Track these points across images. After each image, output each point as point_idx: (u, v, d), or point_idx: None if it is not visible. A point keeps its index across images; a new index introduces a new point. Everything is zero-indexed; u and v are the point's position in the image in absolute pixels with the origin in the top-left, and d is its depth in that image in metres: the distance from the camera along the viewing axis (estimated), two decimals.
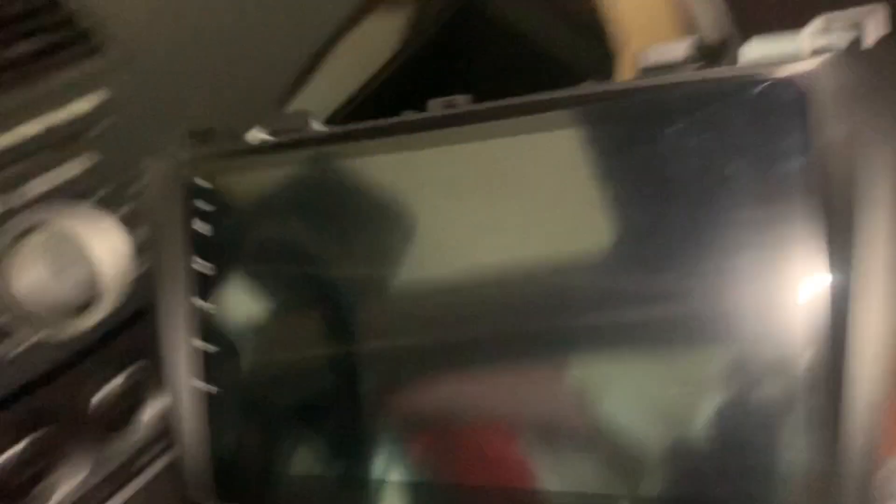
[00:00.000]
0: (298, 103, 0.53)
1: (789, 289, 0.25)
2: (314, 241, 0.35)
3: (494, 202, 0.31)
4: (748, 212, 0.26)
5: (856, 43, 0.25)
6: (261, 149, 0.36)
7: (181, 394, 0.37)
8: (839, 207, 0.24)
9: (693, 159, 0.27)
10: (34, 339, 0.37)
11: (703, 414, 0.27)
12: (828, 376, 0.24)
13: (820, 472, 0.24)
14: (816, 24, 0.25)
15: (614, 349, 0.29)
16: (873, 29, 0.24)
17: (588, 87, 0.29)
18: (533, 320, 0.30)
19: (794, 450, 0.25)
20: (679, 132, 0.27)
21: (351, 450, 0.34)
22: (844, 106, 0.24)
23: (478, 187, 0.31)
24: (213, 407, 0.37)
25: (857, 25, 0.24)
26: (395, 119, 0.33)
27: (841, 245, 0.24)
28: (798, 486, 0.25)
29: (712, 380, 0.27)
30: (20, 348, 0.38)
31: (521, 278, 0.30)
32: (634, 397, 0.29)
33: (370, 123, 0.33)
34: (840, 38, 0.25)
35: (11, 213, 0.37)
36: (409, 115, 0.33)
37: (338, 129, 0.34)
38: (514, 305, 0.30)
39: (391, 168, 0.33)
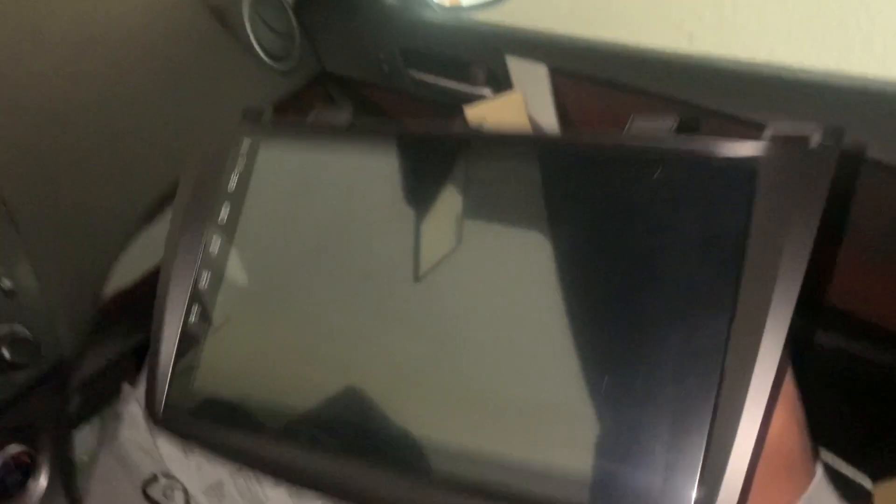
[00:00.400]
0: None
1: (694, 337, 0.30)
2: (318, 220, 0.41)
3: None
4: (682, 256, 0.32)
5: (804, 142, 0.30)
6: (299, 132, 0.42)
7: (168, 317, 0.41)
8: (757, 276, 0.30)
9: (653, 206, 0.33)
10: None
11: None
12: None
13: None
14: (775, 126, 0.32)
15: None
16: (817, 139, 0.30)
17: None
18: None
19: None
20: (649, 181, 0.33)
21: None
22: (784, 189, 0.30)
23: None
24: (187, 333, 0.40)
25: (807, 129, 0.31)
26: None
27: (749, 318, 0.29)
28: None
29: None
30: None
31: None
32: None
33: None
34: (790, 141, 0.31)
35: None
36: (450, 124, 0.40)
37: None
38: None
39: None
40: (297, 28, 0.79)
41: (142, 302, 0.54)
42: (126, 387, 0.91)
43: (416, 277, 0.37)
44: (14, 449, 0.54)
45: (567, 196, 0.35)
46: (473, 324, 0.36)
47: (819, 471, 0.34)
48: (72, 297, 0.57)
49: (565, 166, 0.36)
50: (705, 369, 0.29)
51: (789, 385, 0.34)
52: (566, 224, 0.35)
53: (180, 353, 0.40)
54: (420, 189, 0.39)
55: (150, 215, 0.62)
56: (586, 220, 0.34)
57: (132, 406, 0.89)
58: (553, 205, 0.35)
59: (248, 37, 0.72)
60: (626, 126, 0.34)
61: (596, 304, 0.33)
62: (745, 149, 0.31)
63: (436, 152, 0.39)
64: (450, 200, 0.38)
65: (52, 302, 0.54)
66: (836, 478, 0.35)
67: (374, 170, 0.40)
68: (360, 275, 0.39)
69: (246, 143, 0.42)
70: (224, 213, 0.41)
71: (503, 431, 0.33)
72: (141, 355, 0.95)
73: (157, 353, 0.40)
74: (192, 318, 0.40)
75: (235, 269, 0.41)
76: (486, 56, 0.74)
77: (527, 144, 0.38)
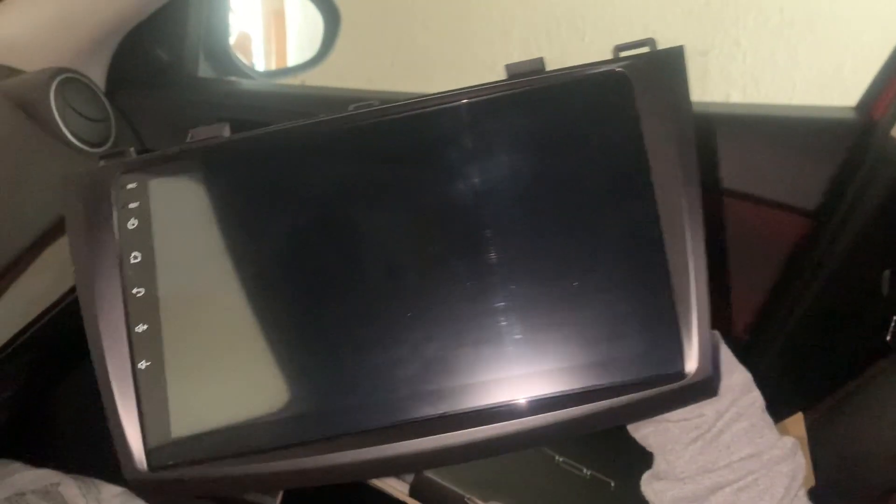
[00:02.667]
0: None
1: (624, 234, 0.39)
2: (230, 228, 0.42)
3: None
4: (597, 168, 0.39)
5: (653, 49, 0.40)
6: (180, 154, 0.42)
7: (112, 373, 0.40)
8: (661, 159, 0.38)
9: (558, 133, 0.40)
10: None
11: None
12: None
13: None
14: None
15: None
16: (655, 45, 0.40)
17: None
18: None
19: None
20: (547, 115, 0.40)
21: (285, 418, 0.39)
22: (656, 85, 0.39)
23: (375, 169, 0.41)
24: (144, 382, 0.40)
25: (647, 43, 0.40)
26: (312, 120, 0.42)
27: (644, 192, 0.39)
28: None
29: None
30: None
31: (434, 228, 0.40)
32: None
33: (281, 125, 0.42)
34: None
35: None
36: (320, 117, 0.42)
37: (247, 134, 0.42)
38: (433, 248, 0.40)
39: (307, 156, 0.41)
40: (111, 112, 0.78)
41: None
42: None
43: (354, 259, 0.40)
44: None
45: (475, 147, 0.40)
46: (436, 282, 0.39)
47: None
48: None
49: (462, 122, 0.41)
50: (651, 248, 0.38)
51: None
52: (486, 172, 0.40)
53: (143, 404, 0.40)
54: (329, 173, 0.41)
55: None
56: (502, 165, 0.40)
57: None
58: (461, 160, 0.40)
59: (60, 129, 0.70)
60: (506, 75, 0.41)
61: (544, 231, 0.39)
62: (611, 66, 0.40)
63: (331, 138, 0.41)
64: (360, 177, 0.41)
65: None
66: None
67: (275, 168, 0.42)
68: (295, 270, 0.41)
69: (128, 179, 0.42)
70: (133, 253, 0.41)
71: (508, 356, 0.39)
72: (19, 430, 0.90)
73: (116, 416, 0.39)
74: (142, 366, 0.40)
75: (170, 302, 0.41)
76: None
77: (416, 108, 0.41)
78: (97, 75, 0.82)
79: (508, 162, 0.40)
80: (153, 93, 0.86)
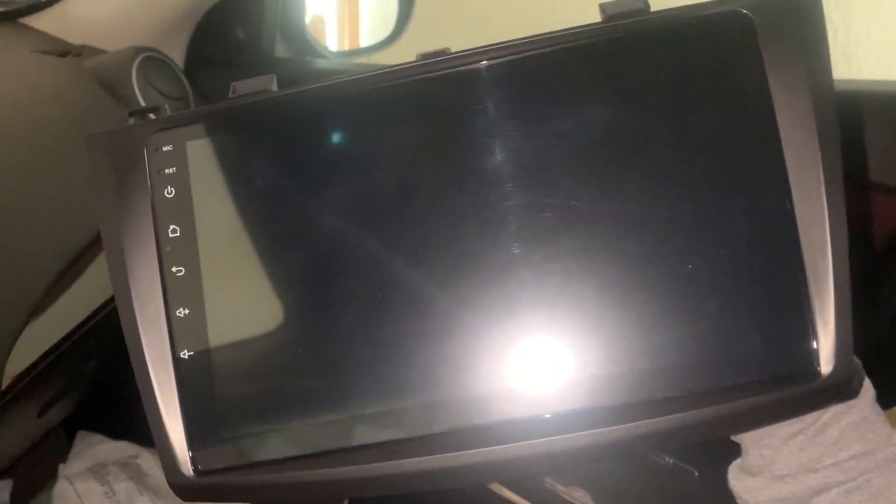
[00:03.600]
0: None
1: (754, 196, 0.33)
2: (282, 194, 0.36)
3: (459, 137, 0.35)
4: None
5: None
6: (222, 111, 0.37)
7: (151, 363, 0.35)
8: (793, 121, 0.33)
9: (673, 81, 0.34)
10: None
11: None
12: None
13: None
14: None
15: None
16: None
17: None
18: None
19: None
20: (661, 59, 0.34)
21: (336, 415, 0.35)
22: (784, 29, 0.33)
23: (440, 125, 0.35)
24: (187, 373, 0.35)
25: None
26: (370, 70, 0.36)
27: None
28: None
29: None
30: None
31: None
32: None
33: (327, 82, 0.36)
34: None
35: None
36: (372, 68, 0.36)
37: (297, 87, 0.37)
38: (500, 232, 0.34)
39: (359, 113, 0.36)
40: (190, 91, 0.78)
41: (47, 377, 0.51)
42: (61, 467, 0.88)
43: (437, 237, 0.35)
44: None
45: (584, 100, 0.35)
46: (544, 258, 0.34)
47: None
48: None
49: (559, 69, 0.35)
50: (780, 224, 0.33)
51: None
52: (596, 131, 0.34)
53: (186, 398, 0.35)
54: (397, 132, 0.36)
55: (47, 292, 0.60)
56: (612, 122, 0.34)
57: (63, 484, 0.85)
58: (551, 115, 0.34)
59: (141, 106, 0.70)
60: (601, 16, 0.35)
61: (651, 202, 0.34)
62: (732, 5, 0.33)
63: (399, 91, 0.36)
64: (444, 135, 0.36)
65: None
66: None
67: (334, 126, 0.36)
68: (363, 246, 0.35)
69: (162, 139, 0.36)
70: (171, 227, 0.36)
71: (632, 349, 0.34)
72: (70, 432, 0.93)
73: (156, 411, 0.35)
74: (184, 355, 0.35)
75: (215, 282, 0.36)
76: None
77: (499, 55, 0.35)
78: (176, 54, 0.83)
79: (606, 119, 0.34)
80: (231, 72, 0.87)
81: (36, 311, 0.59)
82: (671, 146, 0.33)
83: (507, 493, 0.75)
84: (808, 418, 0.37)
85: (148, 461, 0.91)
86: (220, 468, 0.35)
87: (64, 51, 0.75)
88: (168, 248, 0.36)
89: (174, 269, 0.36)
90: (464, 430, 0.34)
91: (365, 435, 0.34)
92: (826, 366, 0.32)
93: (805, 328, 0.32)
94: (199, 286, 0.36)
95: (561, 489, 0.73)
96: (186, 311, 0.36)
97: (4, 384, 0.57)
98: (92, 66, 0.73)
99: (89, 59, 0.74)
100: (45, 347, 0.61)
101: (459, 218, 0.34)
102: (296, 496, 0.36)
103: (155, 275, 0.36)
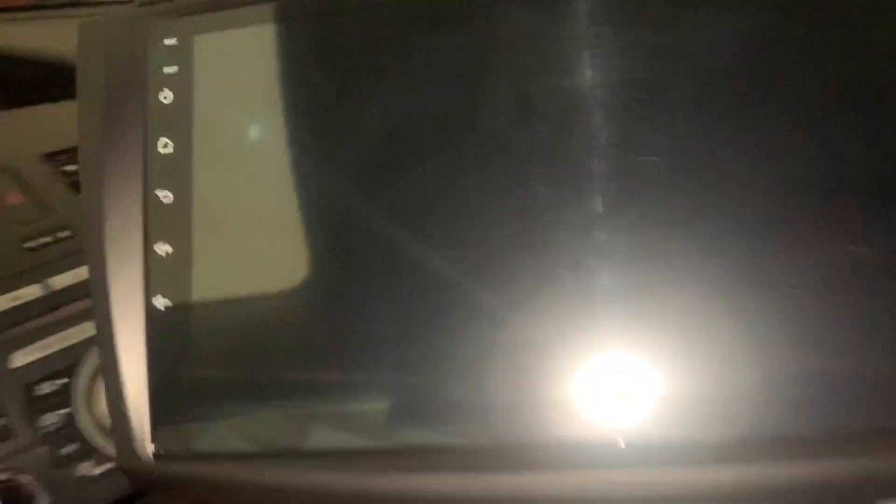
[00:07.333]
0: None
1: None
2: (309, 114, 0.28)
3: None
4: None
5: None
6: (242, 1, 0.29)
7: (117, 313, 0.28)
8: None
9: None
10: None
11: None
12: None
13: None
14: None
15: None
16: None
17: None
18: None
19: None
20: None
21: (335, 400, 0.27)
22: None
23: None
24: (161, 329, 0.28)
25: None
26: None
27: None
28: None
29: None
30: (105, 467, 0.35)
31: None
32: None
33: None
34: None
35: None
36: None
37: None
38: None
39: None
40: None
41: None
42: None
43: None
44: None
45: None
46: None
47: None
48: None
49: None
50: None
51: None
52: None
53: (157, 362, 0.28)
54: (464, 38, 0.27)
55: None
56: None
57: None
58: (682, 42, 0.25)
59: None
60: None
61: (818, 168, 0.24)
62: None
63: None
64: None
65: None
66: None
67: (379, 28, 0.28)
68: (412, 185, 0.27)
69: (165, 29, 0.29)
70: (163, 139, 0.29)
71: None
72: None
73: (115, 373, 0.28)
74: (159, 304, 0.28)
75: (209, 215, 0.29)
76: None
77: None
78: None
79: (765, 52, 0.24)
80: None
81: None
82: (853, 99, 0.24)
83: None
84: None
85: None
86: (186, 454, 0.27)
87: None
88: (156, 166, 0.29)
89: (160, 194, 0.29)
90: (511, 446, 0.25)
91: (380, 438, 0.26)
92: None
93: None
94: (188, 219, 0.28)
95: None
96: (169, 250, 0.29)
97: None
98: None
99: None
100: None
101: (559, 169, 0.25)
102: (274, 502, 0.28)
103: (136, 198, 0.29)
